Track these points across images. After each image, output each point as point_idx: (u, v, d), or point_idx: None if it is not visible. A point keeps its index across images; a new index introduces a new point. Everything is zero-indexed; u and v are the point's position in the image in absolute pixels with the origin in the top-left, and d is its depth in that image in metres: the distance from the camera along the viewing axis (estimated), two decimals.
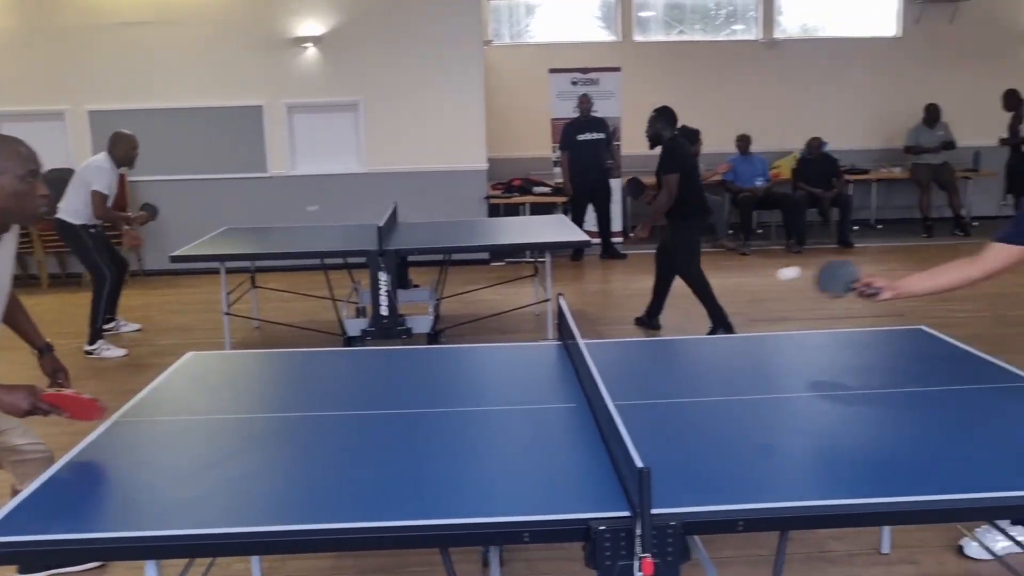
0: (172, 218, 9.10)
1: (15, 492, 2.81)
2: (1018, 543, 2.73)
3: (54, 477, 2.14)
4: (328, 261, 6.32)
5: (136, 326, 7.04)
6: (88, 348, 6.28)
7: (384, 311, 5.77)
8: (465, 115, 9.37)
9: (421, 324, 6.00)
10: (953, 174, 10.54)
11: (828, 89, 11.47)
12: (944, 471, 2.05)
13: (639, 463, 1.76)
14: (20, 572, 2.98)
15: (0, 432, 2.82)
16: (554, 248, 6.90)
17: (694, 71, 11.25)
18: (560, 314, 3.16)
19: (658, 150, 6.27)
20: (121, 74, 9.13)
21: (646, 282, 7.97)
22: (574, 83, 10.11)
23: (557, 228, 6.89)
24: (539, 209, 9.70)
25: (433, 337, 6.04)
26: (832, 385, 2.77)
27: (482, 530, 1.85)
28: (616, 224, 10.02)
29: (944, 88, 11.10)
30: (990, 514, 2.27)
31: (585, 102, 9.56)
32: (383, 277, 5.74)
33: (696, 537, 2.69)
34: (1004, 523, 2.97)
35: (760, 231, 10.82)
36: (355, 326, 5.95)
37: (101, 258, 6.36)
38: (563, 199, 9.67)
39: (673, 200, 6.02)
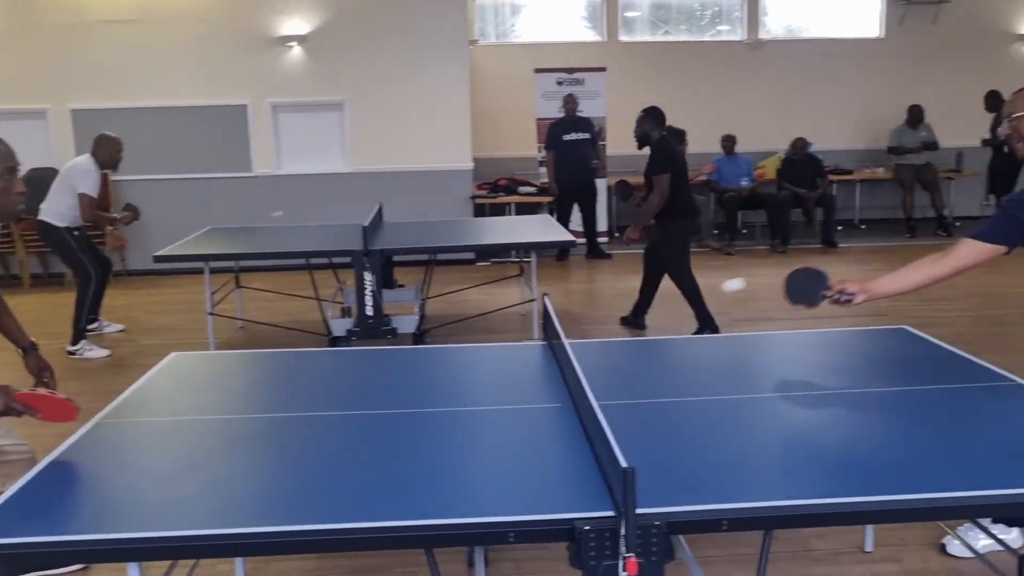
0: (156, 218, 9.05)
1: None
2: (1000, 541, 2.75)
3: (36, 478, 2.12)
4: (313, 261, 6.30)
5: (119, 326, 7.00)
6: (71, 348, 6.24)
7: (369, 311, 5.76)
8: (451, 115, 9.36)
9: (406, 324, 5.99)
10: (936, 174, 10.61)
11: (812, 90, 11.52)
12: (927, 470, 2.07)
13: (623, 463, 1.77)
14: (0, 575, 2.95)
15: None
16: (539, 248, 6.90)
17: (679, 71, 11.29)
18: (545, 314, 3.16)
19: (646, 151, 6.27)
20: (104, 72, 9.07)
21: (631, 282, 7.99)
22: (560, 83, 10.12)
23: (542, 228, 6.89)
24: (524, 209, 9.71)
25: (418, 337, 6.04)
26: (816, 385, 2.79)
27: (467, 530, 1.85)
28: (601, 224, 10.03)
29: (927, 89, 11.18)
30: (972, 512, 2.28)
31: (571, 102, 9.56)
32: (368, 277, 5.72)
33: (681, 536, 2.70)
34: (986, 521, 2.99)
35: (745, 231, 10.87)
36: (340, 326, 5.93)
37: (86, 258, 6.32)
38: (549, 199, 9.68)
39: (665, 201, 6.01)
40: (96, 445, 2.35)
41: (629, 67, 11.03)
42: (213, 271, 6.29)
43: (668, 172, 6.01)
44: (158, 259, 6.05)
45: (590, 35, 11.51)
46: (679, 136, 9.07)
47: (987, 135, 10.30)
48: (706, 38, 11.64)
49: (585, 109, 9.79)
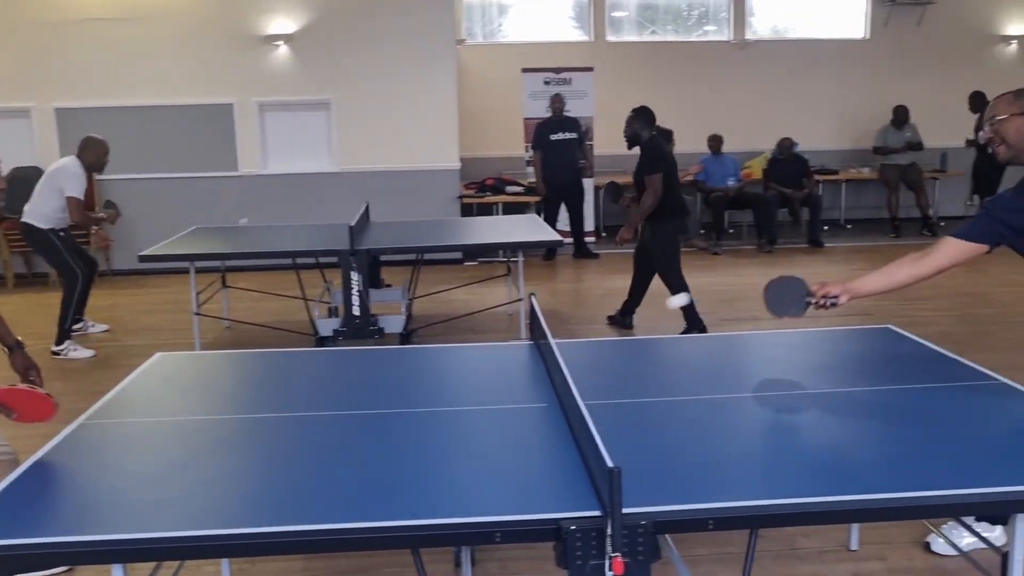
0: (141, 217, 9.02)
1: None
2: (983, 539, 2.77)
3: (19, 479, 2.11)
4: (300, 261, 6.28)
5: (104, 327, 6.96)
6: (55, 349, 6.20)
7: (356, 311, 5.75)
8: (438, 114, 9.35)
9: (393, 324, 5.98)
10: (921, 175, 10.67)
11: (798, 90, 11.57)
12: (911, 469, 2.08)
13: (609, 463, 1.77)
14: None
15: None
16: (527, 248, 6.91)
17: (666, 71, 11.31)
18: (532, 314, 3.16)
19: (635, 150, 6.27)
20: (88, 71, 9.02)
21: (619, 282, 8.01)
22: (547, 83, 10.13)
23: (530, 228, 6.89)
24: (512, 209, 9.70)
25: (405, 337, 6.03)
26: (801, 384, 2.80)
27: (453, 531, 1.85)
28: (589, 224, 10.04)
29: (912, 90, 11.24)
30: (956, 511, 2.30)
31: (558, 102, 9.57)
32: (355, 277, 5.71)
33: (667, 536, 2.71)
34: (969, 519, 3.01)
35: (732, 231, 10.90)
36: (327, 326, 5.92)
37: (71, 259, 6.28)
38: (536, 199, 9.68)
39: (658, 200, 6.01)
40: (80, 446, 2.34)
41: (616, 67, 11.05)
42: (199, 271, 6.27)
43: (660, 172, 6.01)
44: (143, 259, 6.02)
45: (577, 35, 11.52)
46: (667, 136, 9.09)
47: (971, 136, 10.35)
48: (693, 38, 11.67)
49: (572, 109, 9.79)
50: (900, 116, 10.55)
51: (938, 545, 3.24)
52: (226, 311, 7.06)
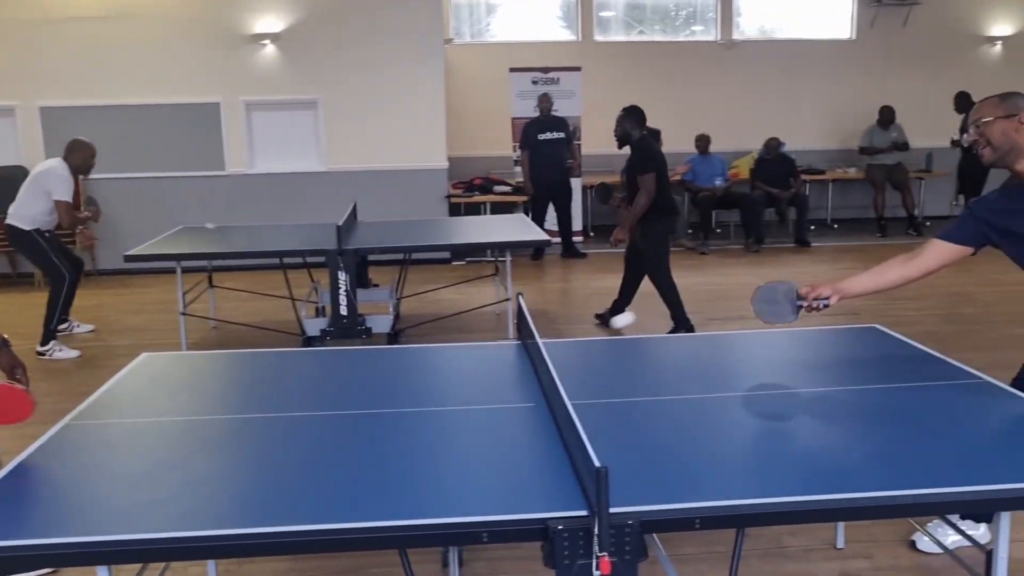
0: (127, 217, 8.98)
1: None
2: (968, 537, 2.79)
3: (3, 480, 2.09)
4: (287, 260, 6.26)
5: (90, 327, 6.92)
6: (40, 349, 6.17)
7: (344, 311, 5.74)
8: (426, 113, 9.34)
9: (381, 324, 5.97)
10: (906, 175, 10.73)
11: (785, 90, 11.62)
12: (896, 467, 2.09)
13: (597, 462, 1.77)
14: None
15: None
16: (515, 247, 6.91)
17: (654, 71, 11.33)
18: (520, 313, 3.16)
19: (625, 150, 6.27)
20: (74, 69, 8.96)
21: (607, 281, 8.02)
22: (535, 82, 10.13)
23: (518, 227, 6.90)
24: (500, 208, 9.70)
25: (393, 337, 6.02)
26: (787, 384, 2.81)
27: (440, 531, 1.85)
28: (577, 224, 10.06)
29: (898, 90, 11.31)
30: (941, 509, 2.31)
31: (545, 101, 9.58)
32: (342, 276, 5.70)
33: (655, 535, 2.71)
34: (954, 518, 3.03)
35: (719, 230, 10.94)
36: (314, 326, 5.90)
37: (58, 259, 6.25)
38: (524, 198, 9.68)
39: (652, 200, 6.00)
40: (65, 447, 2.32)
41: (604, 67, 11.06)
42: (185, 271, 6.24)
43: (653, 171, 6.01)
44: (129, 259, 5.99)
45: (565, 35, 11.53)
46: (655, 136, 9.10)
47: (956, 136, 10.42)
48: (680, 38, 11.70)
49: (560, 108, 9.80)
50: (886, 116, 10.61)
51: (923, 543, 3.26)
52: (213, 311, 7.03)
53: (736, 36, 11.66)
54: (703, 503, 1.91)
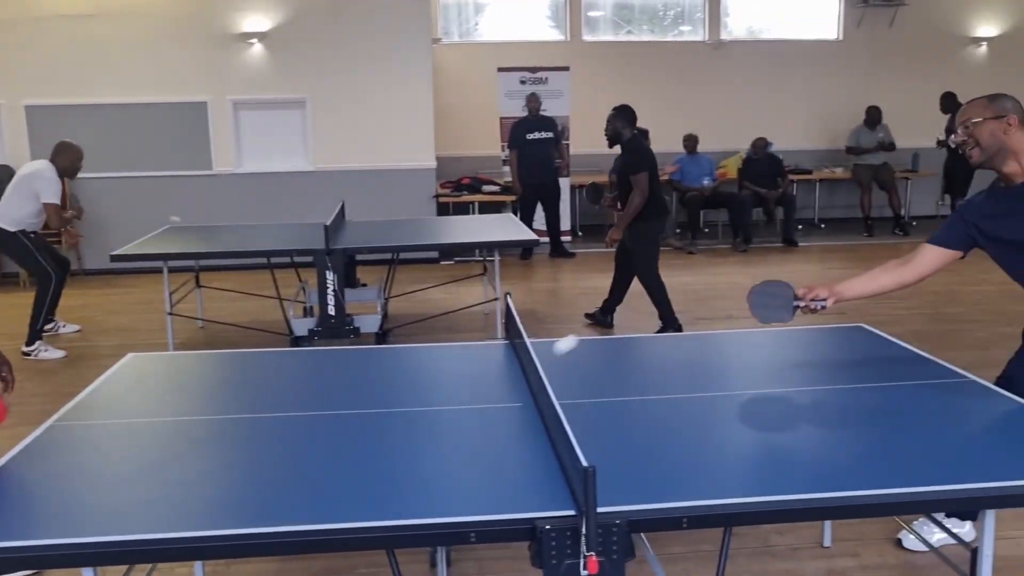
0: (113, 216, 8.94)
1: None
2: (953, 535, 2.80)
3: None
4: (275, 260, 6.24)
5: (75, 327, 6.88)
6: (26, 349, 6.13)
7: (331, 310, 5.72)
8: (414, 113, 9.32)
9: (369, 323, 5.96)
10: (893, 175, 10.78)
11: (773, 90, 11.65)
12: (883, 466, 2.10)
13: (584, 462, 1.77)
14: None
15: None
16: (503, 247, 6.91)
17: (642, 71, 11.35)
18: (508, 313, 3.16)
19: (615, 150, 6.27)
20: (60, 68, 8.91)
21: (595, 281, 8.03)
22: (523, 82, 10.13)
23: (506, 227, 6.89)
24: (488, 208, 9.70)
25: (381, 337, 6.01)
26: (774, 383, 2.82)
27: (428, 531, 1.85)
28: (565, 223, 10.06)
29: (884, 90, 11.36)
30: (927, 507, 2.32)
31: (534, 101, 9.58)
32: (330, 276, 5.69)
33: (642, 534, 2.72)
34: (940, 516, 3.05)
35: (707, 230, 10.97)
36: (302, 326, 5.89)
37: (44, 260, 6.23)
38: (512, 198, 9.69)
39: (646, 199, 5.99)
40: (50, 447, 2.31)
41: (592, 67, 11.08)
42: (172, 270, 6.21)
43: (646, 170, 6.01)
44: (115, 258, 5.96)
45: (553, 34, 11.54)
46: (643, 135, 9.11)
47: (942, 136, 10.48)
48: (668, 38, 11.72)
49: (548, 108, 9.81)
50: (873, 116, 10.66)
51: (909, 541, 3.27)
52: (200, 311, 7.00)
53: (724, 36, 11.69)
54: (690, 502, 1.91)
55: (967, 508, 2.79)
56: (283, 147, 9.39)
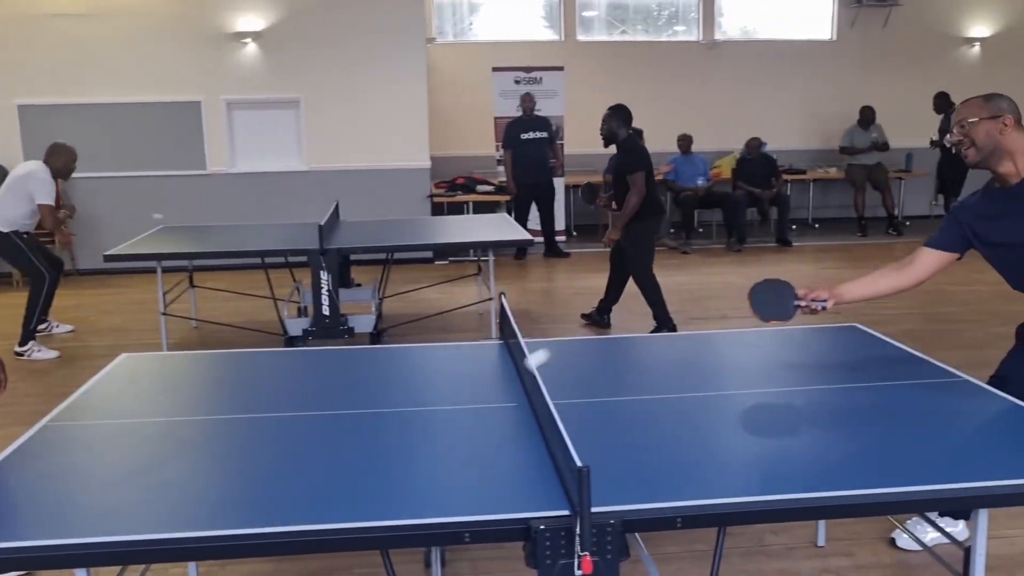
0: (107, 216, 8.91)
1: None
2: (946, 534, 2.81)
3: None
4: (269, 260, 6.23)
5: (69, 327, 6.87)
6: (19, 350, 6.11)
7: (326, 310, 5.71)
8: (408, 113, 9.32)
9: (363, 323, 5.95)
10: (886, 175, 10.81)
11: (767, 90, 11.67)
12: (876, 465, 2.10)
13: (578, 462, 1.77)
14: None
15: None
16: (497, 247, 6.90)
17: (636, 71, 11.36)
18: (502, 313, 3.16)
19: (610, 149, 6.26)
20: (53, 67, 8.88)
21: (589, 281, 8.04)
22: (517, 82, 10.13)
23: (500, 227, 6.89)
24: (482, 208, 9.70)
25: (376, 337, 6.00)
26: (768, 382, 2.82)
27: (422, 531, 1.84)
28: (559, 223, 10.06)
29: (878, 91, 11.38)
30: (920, 507, 2.33)
31: (528, 101, 9.58)
32: (325, 276, 5.68)
33: (636, 534, 2.72)
34: (933, 515, 3.05)
35: (701, 230, 10.98)
36: (296, 326, 5.88)
37: (38, 260, 6.22)
38: (506, 198, 9.68)
39: (643, 198, 5.99)
40: (43, 448, 2.30)
41: (586, 66, 11.08)
42: (166, 270, 6.20)
43: (642, 170, 6.00)
44: (109, 258, 5.94)
45: (548, 34, 11.54)
46: (637, 135, 9.12)
47: (935, 136, 10.51)
48: (663, 38, 11.73)
49: (543, 108, 9.81)
50: (866, 117, 10.69)
51: (903, 540, 3.28)
52: (194, 311, 6.99)
53: (718, 36, 11.70)
54: (684, 502, 1.91)
55: (960, 507, 2.79)
56: (277, 147, 9.38)
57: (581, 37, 11.52)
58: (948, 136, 2.89)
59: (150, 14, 8.91)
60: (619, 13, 11.64)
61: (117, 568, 2.37)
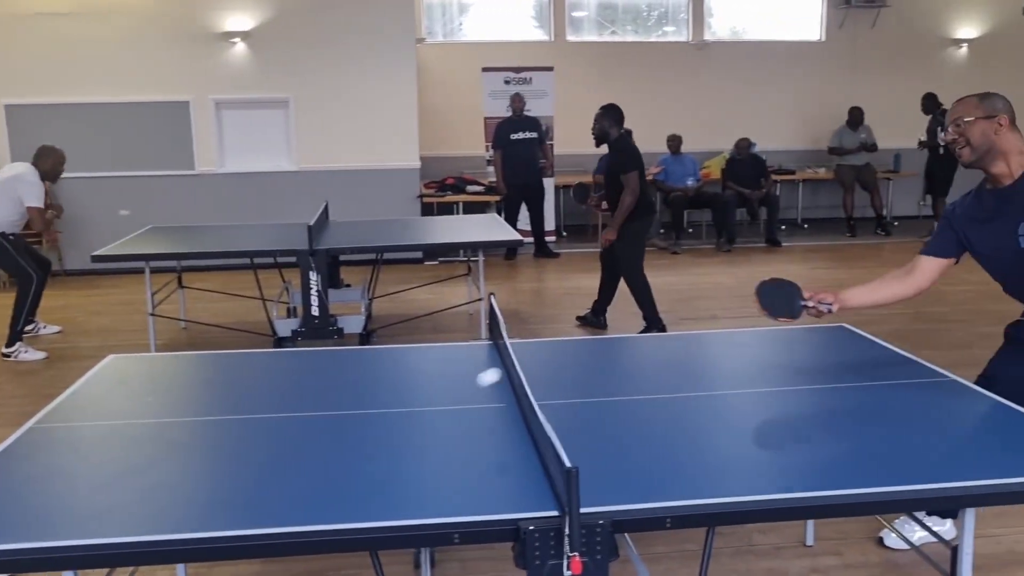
0: (95, 216, 8.87)
1: None
2: (934, 533, 2.82)
3: None
4: (258, 260, 6.21)
5: (56, 328, 6.83)
6: (6, 351, 6.08)
7: (315, 311, 5.70)
8: (398, 113, 9.30)
9: (353, 324, 5.94)
10: (875, 175, 10.86)
11: (756, 91, 11.70)
12: (864, 465, 2.11)
13: (567, 463, 1.77)
14: None
15: None
16: (487, 247, 6.90)
17: (626, 71, 11.37)
18: (491, 313, 3.16)
19: (602, 150, 6.26)
20: (40, 67, 8.83)
21: (579, 281, 8.04)
22: (507, 82, 10.13)
23: (490, 227, 6.89)
24: (472, 208, 9.69)
25: (365, 337, 5.99)
26: (757, 383, 2.83)
27: (411, 532, 1.84)
28: (549, 223, 10.07)
29: (866, 91, 11.43)
30: (908, 506, 2.34)
31: (518, 101, 9.58)
32: (314, 277, 5.67)
33: (626, 534, 2.72)
34: (920, 514, 3.07)
35: (691, 230, 11.00)
36: (285, 326, 5.86)
37: (25, 261, 6.18)
38: (496, 198, 9.68)
39: (637, 197, 5.99)
40: (30, 450, 2.29)
41: (576, 67, 11.09)
42: (154, 271, 6.17)
43: (636, 169, 6.00)
44: (97, 259, 5.91)
45: (537, 34, 11.54)
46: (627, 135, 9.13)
47: (923, 137, 10.56)
48: (652, 39, 11.75)
49: (532, 108, 9.81)
50: (855, 117, 10.73)
51: (891, 540, 3.29)
52: (182, 312, 6.96)
53: (708, 37, 11.73)
54: (674, 502, 1.91)
55: (947, 507, 2.80)
56: (266, 147, 9.35)
57: (571, 37, 11.53)
58: (943, 134, 2.85)
59: (138, 13, 8.87)
60: (609, 13, 11.66)
61: (104, 571, 2.36)
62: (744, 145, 10.37)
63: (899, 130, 11.08)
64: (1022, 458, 2.13)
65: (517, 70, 10.19)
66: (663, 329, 6.07)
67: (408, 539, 1.90)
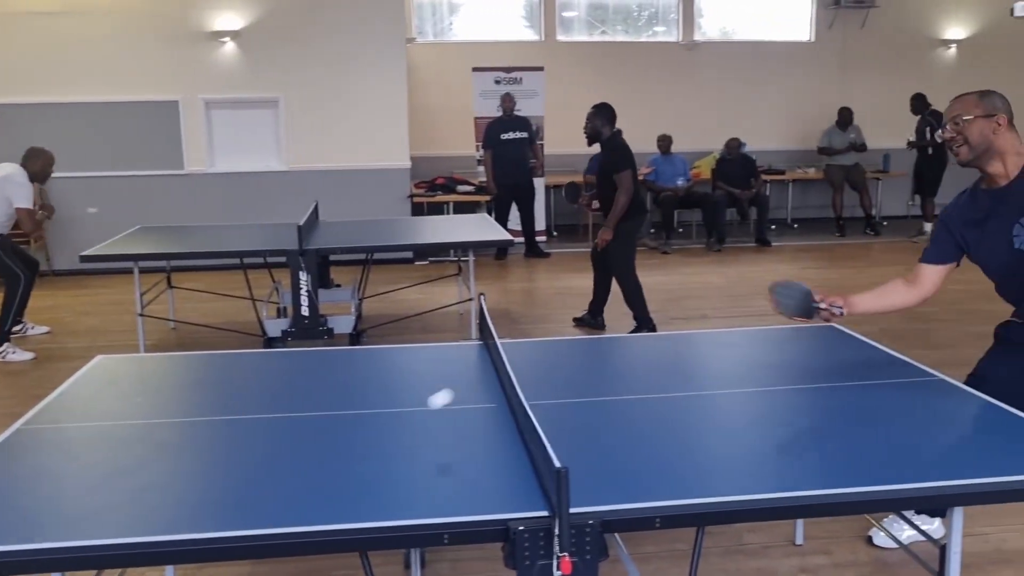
0: (83, 216, 8.82)
1: None
2: (922, 532, 2.83)
3: None
4: (248, 261, 6.20)
5: (45, 328, 6.80)
6: None
7: (305, 311, 5.69)
8: (388, 113, 9.29)
9: (343, 324, 5.93)
10: (864, 175, 10.90)
11: (746, 91, 11.73)
12: (853, 465, 2.12)
13: (557, 463, 1.77)
14: None
15: None
16: (478, 247, 6.90)
17: (616, 71, 11.38)
18: (481, 314, 3.16)
19: (593, 149, 6.25)
20: (28, 66, 8.78)
21: (570, 281, 8.05)
22: (497, 82, 10.13)
23: (481, 227, 6.89)
24: (463, 208, 9.68)
25: (355, 337, 5.98)
26: (747, 382, 2.83)
27: (401, 533, 1.84)
28: (540, 223, 10.07)
29: (856, 91, 11.48)
30: (896, 505, 2.34)
31: (508, 101, 9.58)
32: (304, 277, 5.65)
33: (616, 534, 2.72)
34: (909, 513, 3.08)
35: (681, 230, 11.02)
36: (275, 327, 5.85)
37: (13, 262, 6.15)
38: (487, 198, 9.68)
39: (631, 196, 5.98)
40: (16, 452, 2.28)
41: (567, 67, 11.09)
42: (143, 271, 6.15)
43: (629, 168, 6.00)
44: (85, 259, 5.88)
45: (528, 34, 11.54)
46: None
47: (912, 137, 10.60)
48: (643, 39, 11.77)
49: (523, 108, 9.81)
50: (844, 118, 10.77)
51: (880, 538, 3.30)
52: (171, 312, 6.94)
53: (698, 37, 11.75)
54: (663, 502, 1.92)
55: (936, 506, 2.81)
56: (256, 147, 9.32)
57: (561, 37, 11.53)
58: (940, 132, 2.82)
59: (127, 12, 8.83)
60: (599, 13, 11.67)
61: (93, 572, 2.35)
62: (734, 145, 10.40)
63: (888, 130, 11.12)
64: (1010, 457, 2.14)
65: (507, 70, 10.19)
66: (653, 329, 6.08)
67: (398, 540, 1.90)
